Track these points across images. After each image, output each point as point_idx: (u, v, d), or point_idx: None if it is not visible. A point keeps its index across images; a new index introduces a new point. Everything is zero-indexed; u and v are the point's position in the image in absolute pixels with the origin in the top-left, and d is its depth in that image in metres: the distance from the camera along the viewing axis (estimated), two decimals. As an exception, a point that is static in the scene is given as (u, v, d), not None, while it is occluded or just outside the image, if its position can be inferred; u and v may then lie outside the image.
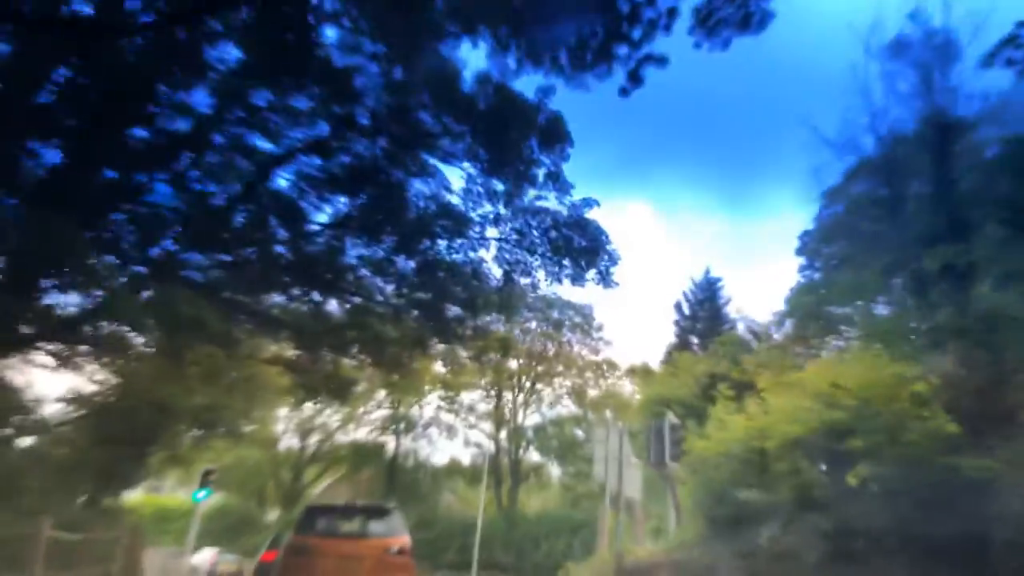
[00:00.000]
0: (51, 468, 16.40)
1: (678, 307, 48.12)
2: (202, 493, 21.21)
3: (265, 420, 32.74)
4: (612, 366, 36.33)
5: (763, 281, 70.25)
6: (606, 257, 13.05)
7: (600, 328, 37.07)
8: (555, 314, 37.19)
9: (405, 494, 36.04)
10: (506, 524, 32.54)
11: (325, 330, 14.15)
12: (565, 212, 12.76)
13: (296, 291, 14.29)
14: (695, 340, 41.20)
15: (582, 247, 12.85)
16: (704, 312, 46.90)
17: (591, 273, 13.24)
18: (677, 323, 47.59)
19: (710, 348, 32.37)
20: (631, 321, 59.12)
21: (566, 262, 13.04)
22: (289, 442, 41.69)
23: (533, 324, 36.94)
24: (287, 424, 41.06)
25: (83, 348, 16.06)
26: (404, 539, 11.32)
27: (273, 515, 38.94)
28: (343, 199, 12.36)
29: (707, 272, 48.97)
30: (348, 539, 11.24)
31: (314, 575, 10.59)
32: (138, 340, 15.38)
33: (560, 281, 13.59)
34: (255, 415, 24.80)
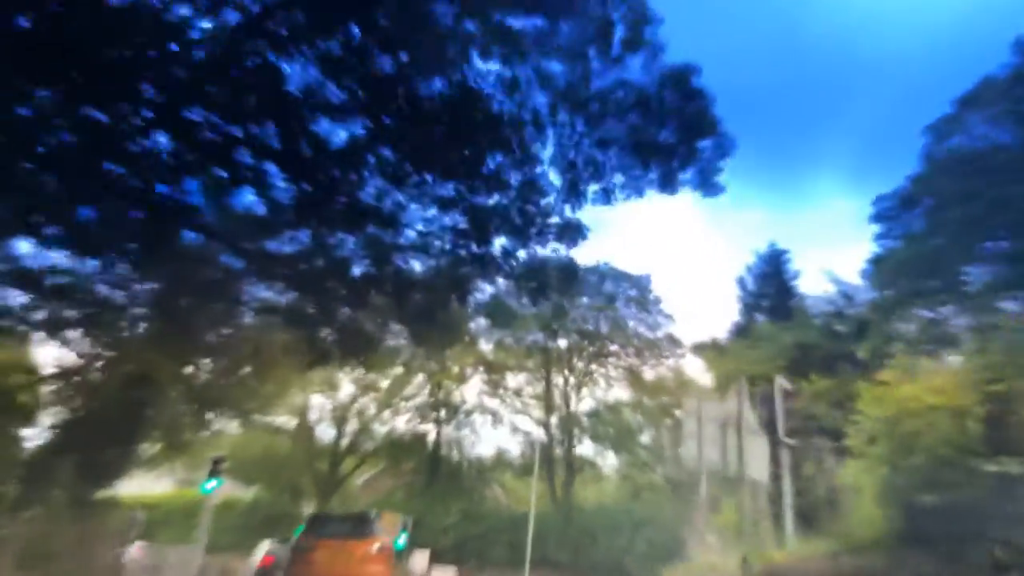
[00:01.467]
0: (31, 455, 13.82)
1: (741, 283, 44.32)
2: (212, 483, 18.44)
3: (284, 400, 30.00)
4: (675, 342, 32.67)
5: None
6: (713, 147, 9.51)
7: (659, 302, 33.44)
8: (608, 286, 33.67)
9: (449, 487, 33.12)
10: (560, 518, 29.30)
11: (329, 268, 10.86)
12: (653, 85, 9.13)
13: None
14: (761, 318, 37.42)
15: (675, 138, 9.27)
16: (771, 287, 43.06)
17: (687, 173, 9.60)
18: (741, 300, 43.89)
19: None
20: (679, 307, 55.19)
21: (653, 161, 9.40)
22: (324, 432, 39.05)
23: (584, 299, 33.48)
24: (321, 412, 38.47)
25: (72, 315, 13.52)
26: (385, 539, 14.48)
27: (309, 509, 36.24)
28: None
29: (772, 245, 45.10)
30: (341, 539, 14.02)
31: (316, 565, 13.37)
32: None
33: (641, 192, 10.05)
34: (267, 391, 21.84)
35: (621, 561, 27.54)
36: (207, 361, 18.46)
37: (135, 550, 26.82)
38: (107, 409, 15.19)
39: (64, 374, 15.20)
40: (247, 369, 19.07)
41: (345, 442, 38.67)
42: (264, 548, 26.45)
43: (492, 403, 35.83)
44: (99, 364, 15.34)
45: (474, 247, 11.11)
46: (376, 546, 14.25)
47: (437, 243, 11.31)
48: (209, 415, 21.66)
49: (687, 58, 9.16)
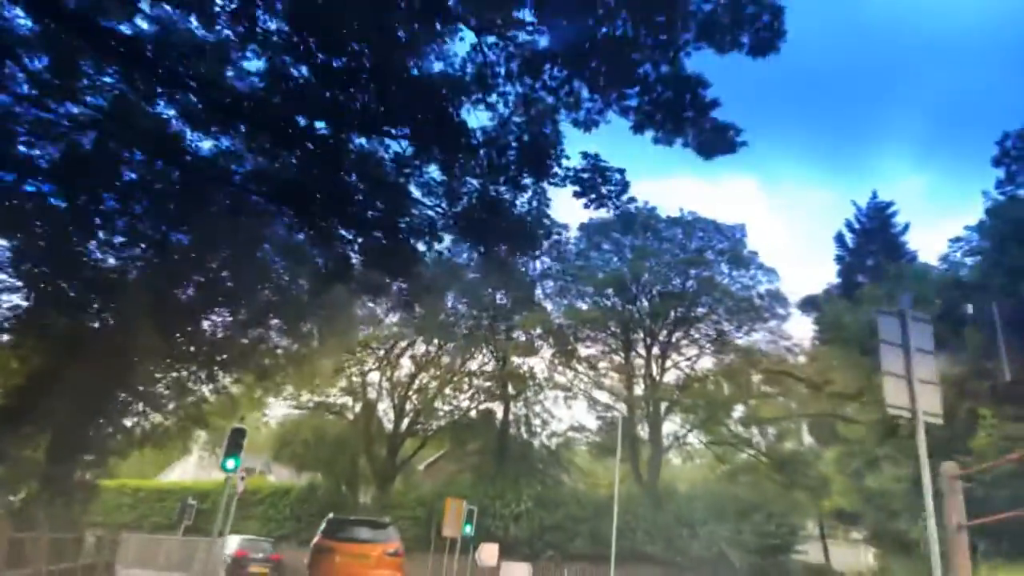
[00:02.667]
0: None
1: (839, 240, 39.26)
2: (232, 462, 15.26)
3: (327, 367, 27.00)
4: (779, 300, 28.09)
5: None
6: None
7: (755, 255, 28.90)
8: (694, 239, 29.34)
9: (519, 470, 29.46)
10: (649, 504, 25.34)
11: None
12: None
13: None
14: (863, 279, 32.52)
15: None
16: (875, 244, 37.89)
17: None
18: (840, 259, 38.91)
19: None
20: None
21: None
22: (383, 412, 36.05)
23: (667, 255, 29.23)
24: (378, 391, 35.45)
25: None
26: (398, 544, 15.47)
27: (367, 496, 33.33)
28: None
29: (874, 196, 39.86)
30: (358, 543, 14.91)
31: (335, 566, 14.31)
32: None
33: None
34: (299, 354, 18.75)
35: (724, 554, 23.48)
36: (220, 316, 15.50)
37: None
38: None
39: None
40: (272, 320, 15.97)
41: (405, 423, 35.66)
42: (235, 541, 26.34)
43: (565, 376, 32.09)
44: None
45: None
46: (392, 550, 15.19)
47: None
48: (225, 378, 18.66)
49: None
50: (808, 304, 28.16)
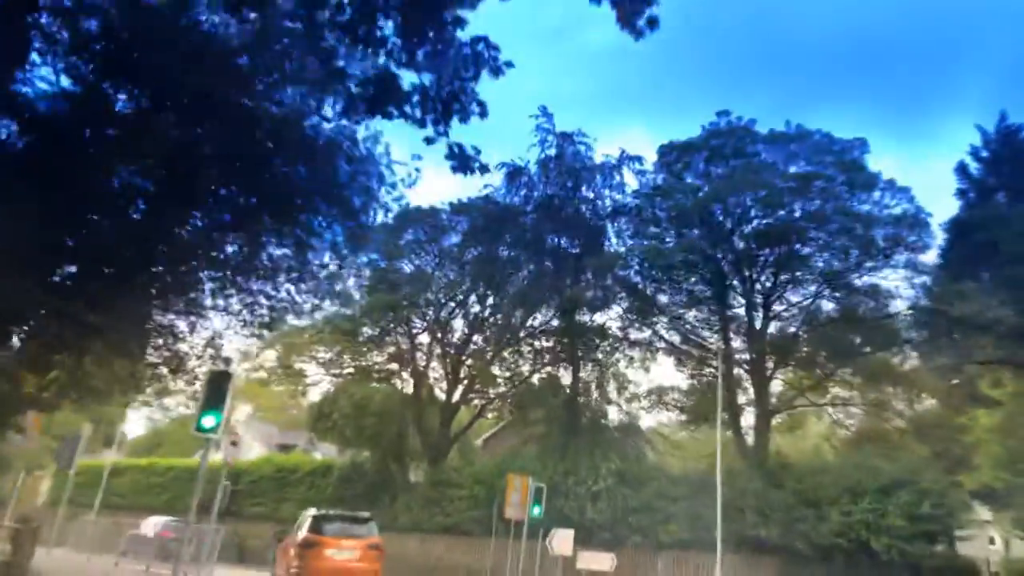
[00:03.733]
0: None
1: (962, 170, 33.24)
2: (210, 419, 11.20)
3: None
4: (915, 224, 22.63)
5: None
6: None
7: (878, 175, 23.52)
8: (801, 161, 24.20)
9: (593, 440, 25.01)
10: (760, 480, 20.52)
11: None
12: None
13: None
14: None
15: None
16: (1007, 171, 31.77)
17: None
18: (963, 193, 32.92)
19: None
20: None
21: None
22: (434, 378, 32.01)
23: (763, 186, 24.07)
24: (428, 354, 31.38)
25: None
26: (378, 539, 16.42)
27: (417, 473, 29.42)
28: None
29: (1002, 117, 33.55)
30: (343, 537, 15.86)
31: (321, 559, 15.22)
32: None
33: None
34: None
35: (863, 541, 18.61)
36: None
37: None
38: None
39: None
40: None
41: (459, 391, 31.56)
42: (159, 523, 26.63)
43: (644, 332, 27.36)
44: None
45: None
46: (373, 544, 16.14)
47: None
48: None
49: None
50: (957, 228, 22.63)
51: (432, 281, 30.98)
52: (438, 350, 31.91)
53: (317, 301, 15.98)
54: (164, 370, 17.53)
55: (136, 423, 62.24)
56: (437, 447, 30.44)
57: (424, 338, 32.23)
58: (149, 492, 34.17)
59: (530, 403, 30.99)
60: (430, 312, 31.75)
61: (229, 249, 13.08)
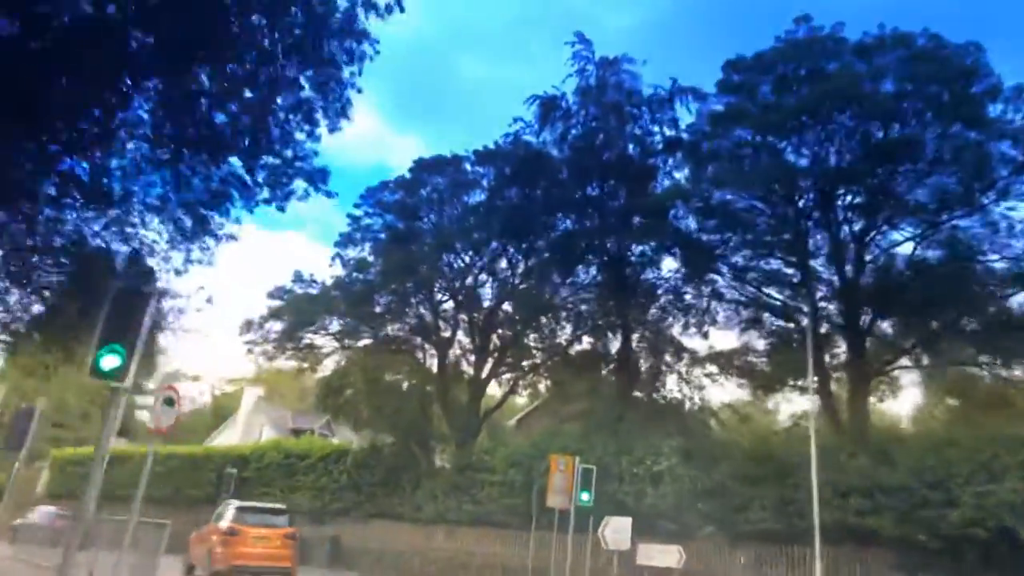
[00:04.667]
0: None
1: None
2: (111, 358, 7.32)
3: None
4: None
5: None
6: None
7: (1000, 82, 19.38)
8: (897, 73, 20.21)
9: (648, 415, 21.33)
10: (866, 457, 16.67)
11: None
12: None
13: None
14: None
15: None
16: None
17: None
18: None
19: None
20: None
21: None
22: (460, 351, 28.58)
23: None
24: (453, 323, 27.92)
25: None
26: (293, 529, 18.16)
27: (444, 457, 25.99)
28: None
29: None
30: (262, 527, 17.32)
31: (242, 547, 16.66)
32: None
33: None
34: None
35: (1008, 530, 14.74)
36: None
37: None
38: None
39: None
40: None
41: (488, 366, 28.02)
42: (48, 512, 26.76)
43: (703, 289, 23.52)
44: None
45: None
46: (289, 533, 17.65)
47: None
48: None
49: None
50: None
51: (455, 241, 27.45)
52: (464, 318, 28.38)
53: (286, 183, 12.07)
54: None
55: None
56: (465, 427, 26.96)
57: (448, 307, 28.77)
58: (151, 482, 31.06)
59: (571, 375, 27.42)
60: (454, 277, 28.26)
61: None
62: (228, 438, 38.72)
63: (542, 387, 30.46)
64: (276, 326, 26.75)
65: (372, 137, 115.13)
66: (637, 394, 23.10)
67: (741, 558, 16.79)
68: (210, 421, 51.66)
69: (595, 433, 21.02)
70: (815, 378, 17.06)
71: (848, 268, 20.44)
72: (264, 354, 27.01)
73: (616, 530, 18.17)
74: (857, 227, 20.79)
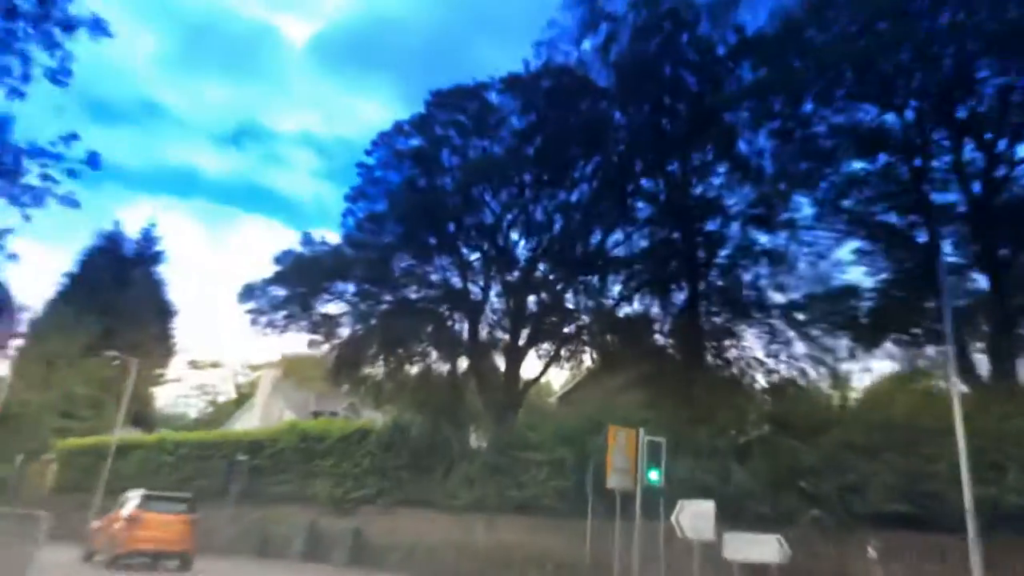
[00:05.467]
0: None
1: None
2: None
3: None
4: None
5: None
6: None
7: None
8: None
9: (727, 378, 17.71)
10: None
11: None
12: None
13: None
14: None
15: None
16: None
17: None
18: None
19: None
20: None
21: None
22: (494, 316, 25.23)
23: None
24: (486, 281, 24.61)
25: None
26: (194, 516, 18.73)
27: (480, 436, 22.77)
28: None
29: None
30: (165, 513, 18.27)
31: (144, 531, 17.62)
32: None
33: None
34: None
35: None
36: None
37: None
38: None
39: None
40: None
41: (526, 332, 24.57)
42: None
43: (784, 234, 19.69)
44: None
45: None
46: (192, 519, 18.53)
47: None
48: None
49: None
50: None
51: (482, 189, 24.01)
52: (496, 278, 24.92)
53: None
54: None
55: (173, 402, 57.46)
56: (501, 403, 23.64)
57: (478, 266, 25.32)
58: (158, 472, 28.44)
59: (621, 340, 23.90)
60: (483, 231, 24.82)
61: None
62: (246, 424, 35.96)
63: (587, 357, 26.93)
64: (281, 292, 23.64)
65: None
66: (711, 356, 19.42)
67: (871, 549, 13.11)
68: (235, 411, 49.22)
69: (661, 400, 17.47)
70: (945, 320, 13.26)
71: (975, 188, 16.43)
72: (271, 325, 23.88)
73: (695, 516, 14.67)
74: (981, 138, 16.73)
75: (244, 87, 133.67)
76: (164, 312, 53.32)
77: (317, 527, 23.10)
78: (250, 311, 23.48)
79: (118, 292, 48.40)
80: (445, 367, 24.64)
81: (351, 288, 24.76)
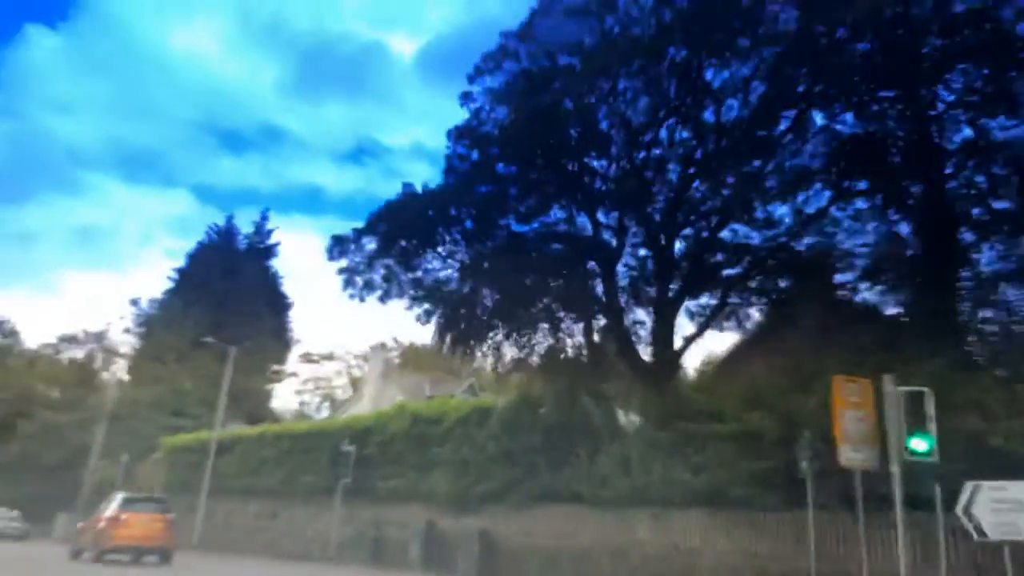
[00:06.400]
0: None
1: None
2: None
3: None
4: None
5: None
6: None
7: None
8: None
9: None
10: None
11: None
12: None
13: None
14: None
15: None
16: None
17: None
18: None
19: None
20: None
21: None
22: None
23: None
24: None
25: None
26: (171, 516, 19.77)
27: (631, 410, 18.08)
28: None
29: None
30: (143, 513, 19.40)
31: (125, 529, 18.80)
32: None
33: None
34: None
35: None
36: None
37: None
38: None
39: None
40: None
41: (676, 280, 19.60)
42: None
43: None
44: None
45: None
46: (170, 519, 19.52)
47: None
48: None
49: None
50: None
51: (612, 109, 19.29)
52: (632, 216, 20.07)
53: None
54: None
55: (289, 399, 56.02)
56: (653, 368, 18.85)
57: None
58: (260, 469, 25.63)
59: (798, 283, 18.56)
60: (616, 160, 20.11)
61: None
62: (363, 406, 32.85)
63: (754, 311, 21.59)
64: (376, 248, 19.86)
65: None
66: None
67: None
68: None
69: (909, 339, 12.12)
70: None
71: None
72: (369, 288, 20.14)
73: (1001, 504, 9.48)
74: None
75: (358, 105, 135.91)
76: (278, 306, 51.77)
77: (436, 529, 19.16)
78: (343, 270, 19.87)
79: (229, 286, 47.06)
80: (577, 329, 20.17)
81: (459, 241, 20.72)
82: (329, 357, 54.57)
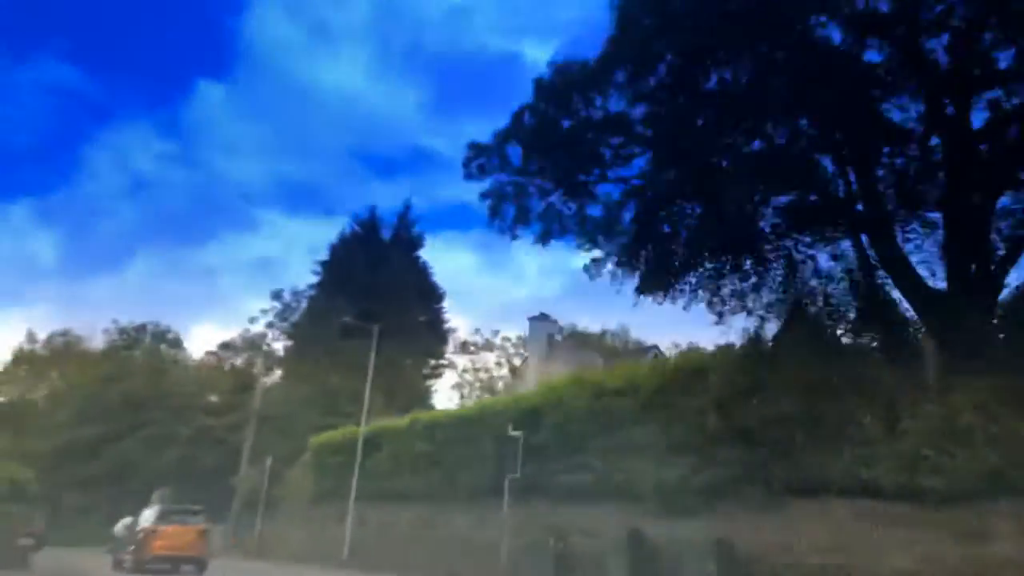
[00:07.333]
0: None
1: None
2: None
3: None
4: None
5: None
6: None
7: None
8: None
9: None
10: None
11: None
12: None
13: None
14: None
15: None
16: None
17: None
18: None
19: None
20: None
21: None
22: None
23: None
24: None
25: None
26: (204, 526, 20.91)
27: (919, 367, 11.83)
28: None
29: None
30: (180, 525, 20.43)
31: (163, 540, 19.78)
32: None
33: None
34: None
35: None
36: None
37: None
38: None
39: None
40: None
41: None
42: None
43: None
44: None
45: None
46: (203, 529, 20.63)
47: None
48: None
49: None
50: None
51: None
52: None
53: None
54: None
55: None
56: (948, 299, 12.61)
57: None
58: (414, 467, 21.63)
59: None
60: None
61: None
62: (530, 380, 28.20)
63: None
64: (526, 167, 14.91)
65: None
66: None
67: None
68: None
69: None
70: None
71: None
72: (522, 222, 15.29)
73: None
74: None
75: (496, 118, 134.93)
76: (431, 297, 48.75)
77: (643, 538, 13.96)
78: (485, 195, 15.18)
79: (376, 278, 44.48)
80: (823, 258, 14.29)
81: (640, 155, 15.36)
82: (488, 348, 51.02)
